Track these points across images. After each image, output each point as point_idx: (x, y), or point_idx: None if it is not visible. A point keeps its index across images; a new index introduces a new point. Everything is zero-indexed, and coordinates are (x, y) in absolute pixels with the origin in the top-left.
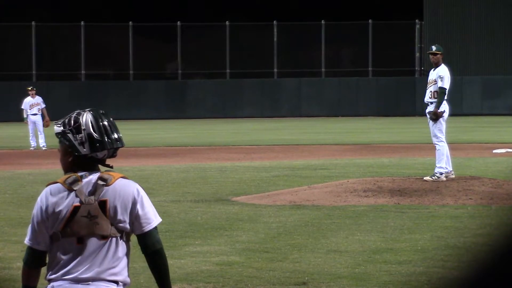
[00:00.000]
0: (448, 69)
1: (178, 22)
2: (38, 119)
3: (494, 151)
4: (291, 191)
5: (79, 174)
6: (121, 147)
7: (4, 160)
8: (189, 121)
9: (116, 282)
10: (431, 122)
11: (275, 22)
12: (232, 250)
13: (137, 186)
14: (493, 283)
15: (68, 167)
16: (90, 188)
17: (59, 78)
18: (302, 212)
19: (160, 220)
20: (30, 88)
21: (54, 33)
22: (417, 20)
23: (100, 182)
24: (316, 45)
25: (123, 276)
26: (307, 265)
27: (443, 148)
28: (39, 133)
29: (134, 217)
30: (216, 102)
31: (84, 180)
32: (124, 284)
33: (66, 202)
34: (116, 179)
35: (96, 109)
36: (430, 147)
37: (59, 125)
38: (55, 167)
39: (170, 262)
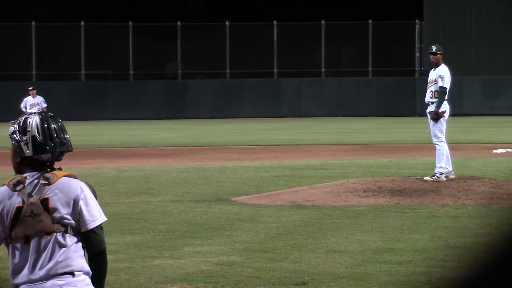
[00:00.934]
0: (448, 69)
1: (178, 22)
2: None
3: (494, 151)
4: (291, 191)
5: (24, 175)
6: (66, 151)
7: (4, 160)
8: (189, 121)
9: (71, 273)
10: (431, 122)
11: (275, 22)
12: (232, 250)
13: (81, 184)
14: (493, 283)
15: (17, 168)
16: (32, 188)
17: (59, 78)
18: (302, 212)
19: (105, 219)
20: (30, 88)
21: (54, 33)
22: (417, 20)
23: (42, 181)
24: (316, 45)
25: (78, 265)
26: (307, 265)
27: (443, 148)
28: None
29: (78, 214)
30: (216, 102)
31: (28, 180)
32: (85, 273)
33: (10, 204)
34: (59, 177)
35: (46, 112)
36: (430, 147)
37: (13, 125)
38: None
39: (170, 262)
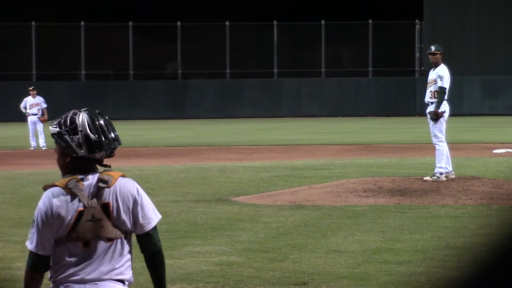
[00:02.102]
0: (448, 69)
1: (178, 22)
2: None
3: (494, 151)
4: (291, 191)
5: (79, 177)
6: (118, 146)
7: (4, 160)
8: (189, 121)
9: (122, 281)
10: (431, 122)
11: (275, 22)
12: (232, 250)
13: (136, 185)
14: (493, 283)
15: (66, 168)
16: (91, 191)
17: (59, 78)
18: (302, 212)
19: (160, 217)
20: (31, 88)
21: (54, 33)
22: (417, 20)
23: (101, 185)
24: (316, 45)
25: (129, 275)
26: (307, 265)
27: (443, 148)
28: (39, 133)
29: (135, 217)
30: (216, 102)
31: (85, 183)
32: (129, 284)
33: (70, 207)
34: (116, 179)
35: (92, 108)
36: (430, 147)
37: (54, 126)
38: (55, 167)
39: (170, 262)
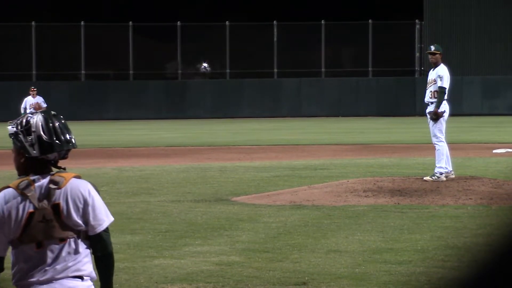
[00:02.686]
0: (448, 68)
1: (178, 22)
2: None
3: (494, 151)
4: (291, 191)
5: (32, 178)
6: (72, 148)
7: (4, 160)
8: (189, 121)
9: (80, 277)
10: (431, 122)
11: (275, 22)
12: (232, 250)
13: (88, 186)
14: (493, 283)
15: (21, 169)
16: (42, 192)
17: (59, 78)
18: (302, 212)
19: (112, 219)
20: (32, 88)
21: (54, 33)
22: (417, 20)
23: (52, 186)
24: (316, 45)
25: (87, 271)
26: (307, 265)
27: (442, 148)
28: None
29: (86, 218)
30: (216, 102)
31: (37, 184)
32: (91, 278)
33: (21, 208)
34: (68, 180)
35: (48, 111)
36: (430, 147)
37: (12, 126)
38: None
39: (170, 262)
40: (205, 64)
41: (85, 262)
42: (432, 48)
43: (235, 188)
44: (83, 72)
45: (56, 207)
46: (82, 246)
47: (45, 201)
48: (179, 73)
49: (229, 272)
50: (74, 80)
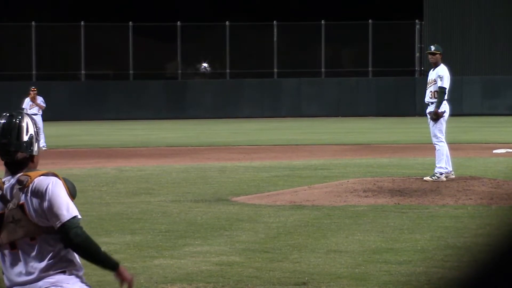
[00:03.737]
0: (448, 68)
1: (178, 22)
2: (38, 119)
3: (494, 151)
4: (291, 191)
5: (3, 179)
6: (9, 150)
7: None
8: (189, 121)
9: (63, 271)
10: (431, 122)
11: (275, 22)
12: (232, 250)
13: (50, 183)
14: (493, 283)
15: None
16: (9, 193)
17: (59, 78)
18: (302, 212)
19: (74, 214)
20: (32, 88)
21: (54, 33)
22: (417, 20)
23: (17, 186)
24: (316, 45)
25: (67, 262)
26: (307, 265)
27: (442, 148)
28: None
29: (48, 214)
30: (216, 102)
31: (6, 185)
32: (78, 269)
33: None
34: (33, 179)
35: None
36: (430, 147)
37: None
38: (55, 167)
39: (170, 262)
40: (205, 64)
41: (65, 254)
42: (432, 48)
43: (235, 188)
44: (83, 72)
45: (21, 207)
46: (56, 243)
47: (14, 201)
48: (179, 73)
49: (229, 272)
50: (74, 80)
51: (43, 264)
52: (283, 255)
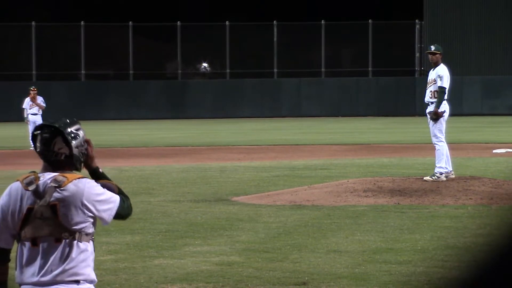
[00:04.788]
0: (448, 68)
1: (178, 22)
2: (38, 119)
3: (494, 151)
4: (291, 191)
5: (39, 174)
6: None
7: (4, 160)
8: (189, 121)
9: (76, 281)
10: (431, 122)
11: (275, 22)
12: (232, 250)
13: (86, 188)
14: (493, 283)
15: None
16: (43, 189)
17: (59, 78)
18: (302, 212)
19: (117, 203)
20: (32, 88)
21: (54, 33)
22: (417, 20)
23: (53, 184)
24: (316, 45)
25: (84, 275)
26: (307, 265)
27: (442, 148)
28: None
29: (91, 215)
30: (216, 102)
31: (41, 181)
32: (90, 281)
33: (23, 203)
34: (70, 181)
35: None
36: (430, 147)
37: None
38: None
39: (170, 262)
40: (205, 64)
41: (83, 266)
42: (432, 48)
43: (235, 188)
44: (83, 72)
45: (53, 207)
46: (79, 249)
47: (46, 198)
48: (179, 73)
49: (229, 272)
50: (74, 80)
51: (60, 268)
52: (283, 255)
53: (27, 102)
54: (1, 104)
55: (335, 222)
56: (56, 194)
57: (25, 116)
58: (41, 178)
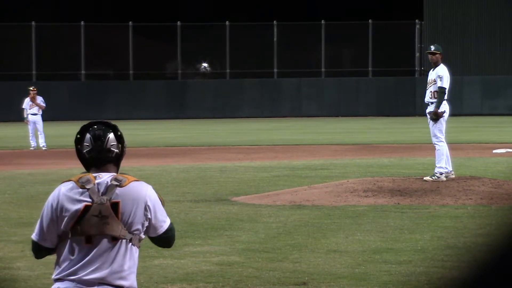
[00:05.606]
0: (448, 68)
1: (178, 22)
2: (38, 119)
3: (494, 151)
4: (291, 191)
5: (94, 174)
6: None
7: (4, 160)
8: (189, 121)
9: (121, 287)
10: (431, 122)
11: (275, 22)
12: (232, 250)
13: (148, 190)
14: (493, 283)
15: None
16: (103, 188)
17: (59, 78)
18: (302, 212)
19: (169, 222)
20: (32, 88)
21: (54, 33)
22: (417, 20)
23: (114, 183)
24: (316, 45)
25: (130, 281)
26: (307, 265)
27: (442, 148)
28: (39, 133)
29: (148, 221)
30: (216, 102)
31: (97, 180)
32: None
33: (78, 201)
34: (130, 181)
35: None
36: (430, 147)
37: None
38: (55, 167)
39: (170, 262)
40: (205, 64)
41: (131, 271)
42: (432, 48)
43: (235, 188)
44: (83, 72)
45: (115, 205)
46: (131, 254)
47: (104, 197)
48: (179, 73)
49: (229, 272)
50: (74, 80)
51: (110, 269)
52: (283, 255)
53: (27, 102)
54: (1, 104)
55: (335, 222)
56: (118, 192)
57: (25, 116)
58: (97, 178)
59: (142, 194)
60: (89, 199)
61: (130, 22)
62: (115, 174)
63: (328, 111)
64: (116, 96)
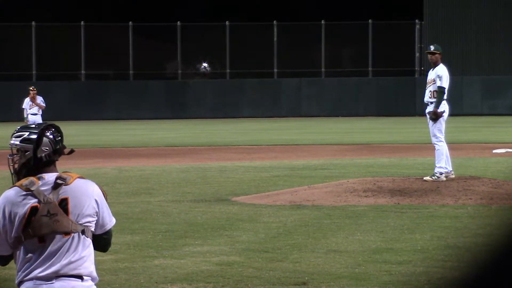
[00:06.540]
0: (447, 68)
1: (178, 22)
2: (38, 118)
3: (494, 151)
4: (291, 191)
5: (37, 176)
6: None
7: (4, 160)
8: (189, 121)
9: (80, 276)
10: (430, 122)
11: (275, 22)
12: (232, 250)
13: (95, 187)
14: (493, 283)
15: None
16: (48, 187)
17: (59, 78)
18: (302, 212)
19: (115, 221)
20: (31, 88)
21: (54, 33)
22: (417, 20)
23: (59, 181)
24: (316, 45)
25: (88, 270)
26: (307, 265)
27: (442, 148)
28: None
29: (100, 217)
30: (216, 102)
31: (41, 181)
32: (92, 279)
33: (24, 204)
34: (75, 179)
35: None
36: (430, 147)
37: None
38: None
39: (170, 262)
40: (205, 64)
41: (86, 261)
42: (432, 48)
43: (235, 188)
44: (83, 72)
45: (64, 201)
46: (84, 246)
47: (51, 196)
48: (179, 73)
49: (229, 272)
50: (74, 80)
51: (66, 261)
52: (283, 255)
53: (27, 102)
54: (1, 104)
55: (335, 222)
56: (65, 189)
57: (25, 116)
58: (41, 179)
59: (89, 190)
60: (35, 201)
61: (130, 22)
62: (59, 173)
63: (328, 111)
64: (116, 96)
